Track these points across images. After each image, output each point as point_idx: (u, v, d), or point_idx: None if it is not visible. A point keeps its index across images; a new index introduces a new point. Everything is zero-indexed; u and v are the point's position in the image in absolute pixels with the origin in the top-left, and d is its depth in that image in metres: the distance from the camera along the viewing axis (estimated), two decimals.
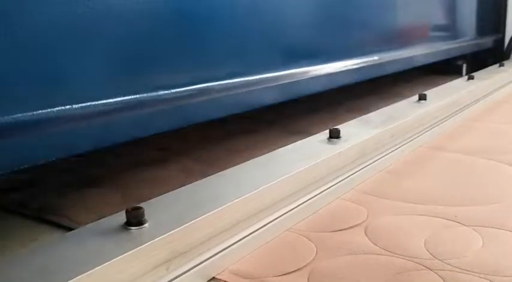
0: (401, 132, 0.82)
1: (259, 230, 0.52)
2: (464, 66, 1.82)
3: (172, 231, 0.41)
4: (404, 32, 1.30)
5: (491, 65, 1.68)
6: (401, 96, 1.16)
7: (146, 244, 0.39)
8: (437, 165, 0.79)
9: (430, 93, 1.02)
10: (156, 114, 0.62)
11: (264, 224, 0.52)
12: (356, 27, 1.07)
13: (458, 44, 1.62)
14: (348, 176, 0.67)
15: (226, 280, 0.46)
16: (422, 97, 0.97)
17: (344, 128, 0.72)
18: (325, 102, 1.33)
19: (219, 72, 0.71)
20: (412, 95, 1.02)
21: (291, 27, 0.87)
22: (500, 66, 1.57)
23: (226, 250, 0.47)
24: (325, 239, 0.53)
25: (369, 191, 0.67)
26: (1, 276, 0.35)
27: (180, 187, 0.52)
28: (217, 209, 0.46)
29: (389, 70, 1.27)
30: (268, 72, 0.81)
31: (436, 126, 0.96)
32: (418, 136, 0.88)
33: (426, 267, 0.47)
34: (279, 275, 0.46)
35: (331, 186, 0.63)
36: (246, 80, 0.76)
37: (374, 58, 1.12)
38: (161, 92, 0.61)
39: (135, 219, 0.42)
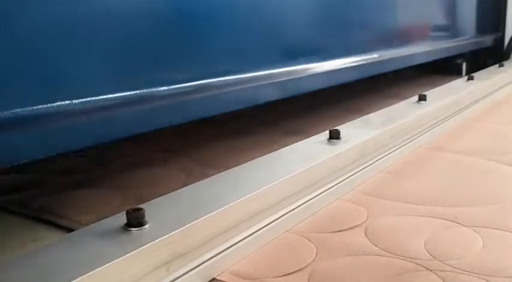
0: (401, 133, 0.82)
1: (260, 231, 0.52)
2: (464, 65, 1.82)
3: (172, 233, 0.41)
4: (404, 30, 1.31)
5: (491, 65, 1.68)
6: (401, 97, 1.16)
7: (147, 245, 0.39)
8: (437, 166, 0.79)
9: (430, 93, 1.02)
10: (156, 110, 0.62)
11: (264, 224, 0.52)
12: (355, 25, 1.07)
13: (458, 42, 1.62)
14: (348, 177, 0.67)
15: (226, 281, 0.46)
16: (422, 98, 0.97)
17: (344, 128, 0.72)
18: (325, 103, 1.34)
19: (218, 68, 0.71)
20: (412, 95, 1.02)
21: (290, 24, 0.87)
22: (500, 66, 1.58)
23: (227, 251, 0.47)
24: (325, 240, 0.53)
25: (369, 192, 0.67)
26: (2, 277, 0.35)
27: (181, 188, 0.52)
28: (218, 210, 0.46)
29: (389, 68, 1.28)
30: (267, 70, 0.81)
31: (436, 126, 0.96)
32: (418, 137, 0.88)
33: (426, 268, 0.47)
34: (279, 276, 0.46)
35: (331, 187, 0.63)
36: (245, 77, 0.76)
37: (373, 56, 1.12)
38: (160, 88, 0.61)
39: (135, 220, 0.42)
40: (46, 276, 0.35)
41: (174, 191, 0.51)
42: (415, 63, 1.40)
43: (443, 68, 1.79)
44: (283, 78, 0.85)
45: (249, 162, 0.61)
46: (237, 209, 0.48)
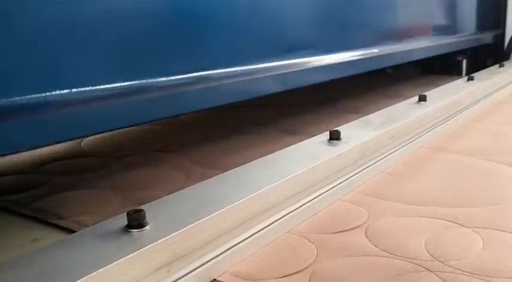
0: (402, 134, 0.82)
1: (260, 232, 0.52)
2: (465, 62, 1.82)
3: (173, 234, 0.41)
4: (404, 26, 1.31)
5: (491, 65, 1.68)
6: (401, 97, 1.16)
7: (147, 247, 0.39)
8: (437, 167, 0.79)
9: (430, 94, 1.02)
10: (155, 101, 0.62)
11: (265, 225, 0.52)
12: (355, 20, 1.07)
13: (458, 38, 1.62)
14: (349, 178, 0.67)
15: None
16: (423, 98, 0.97)
17: (344, 129, 0.72)
18: (325, 103, 1.34)
19: (218, 60, 0.71)
20: (412, 95, 1.02)
21: (290, 19, 0.87)
22: (500, 66, 1.58)
23: (227, 252, 0.47)
24: (325, 241, 0.53)
25: (370, 193, 0.67)
26: (2, 277, 0.35)
27: (181, 189, 0.52)
28: (218, 211, 0.46)
29: (389, 63, 1.28)
30: (266, 62, 0.81)
31: (437, 127, 0.96)
32: (419, 137, 0.88)
33: (426, 268, 0.47)
34: (280, 277, 0.46)
35: (331, 188, 0.63)
36: (244, 69, 0.76)
37: (374, 50, 1.12)
38: (159, 79, 0.61)
39: (136, 221, 0.42)
40: (46, 277, 0.35)
41: (174, 191, 0.51)
42: (416, 59, 1.40)
43: (444, 65, 1.79)
44: (283, 71, 0.85)
45: (249, 163, 0.61)
46: (237, 210, 0.48)
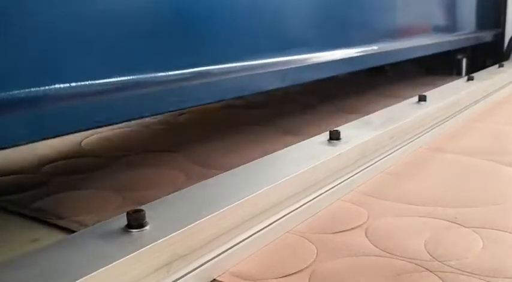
0: (402, 134, 0.82)
1: (260, 232, 0.52)
2: (464, 61, 1.82)
3: (173, 234, 0.41)
4: (404, 23, 1.31)
5: (490, 65, 1.68)
6: (401, 97, 1.16)
7: (147, 247, 0.39)
8: (437, 167, 0.79)
9: (430, 94, 1.02)
10: (154, 95, 0.62)
11: (265, 225, 0.52)
12: (355, 17, 1.07)
13: (458, 37, 1.63)
14: (348, 178, 0.67)
15: None
16: (422, 98, 0.97)
17: (344, 129, 0.72)
18: (325, 103, 1.34)
19: (218, 56, 0.71)
20: (412, 95, 1.02)
21: (290, 16, 0.87)
22: (500, 66, 1.58)
23: (227, 252, 0.47)
24: (325, 241, 0.53)
25: (369, 193, 0.67)
26: (2, 277, 0.35)
27: (181, 189, 0.52)
28: (218, 211, 0.46)
29: (389, 60, 1.28)
30: (266, 58, 0.81)
31: (436, 127, 0.96)
32: (418, 137, 0.88)
33: (426, 268, 0.47)
34: (280, 277, 0.46)
35: (331, 188, 0.63)
36: (243, 65, 0.76)
37: (373, 48, 1.12)
38: (158, 74, 0.61)
39: (136, 221, 0.42)
40: (46, 277, 0.35)
41: (174, 191, 0.51)
42: (415, 56, 1.40)
43: (444, 64, 1.79)
44: (282, 68, 0.85)
45: (249, 163, 0.61)
46: (237, 210, 0.48)
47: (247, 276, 0.46)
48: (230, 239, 0.48)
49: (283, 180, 0.54)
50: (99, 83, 0.54)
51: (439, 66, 1.80)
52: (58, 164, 0.85)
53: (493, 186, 0.70)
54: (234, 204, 0.48)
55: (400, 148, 0.81)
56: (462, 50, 1.78)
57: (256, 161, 0.62)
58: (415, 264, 0.48)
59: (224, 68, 0.71)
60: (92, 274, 0.35)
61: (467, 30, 1.70)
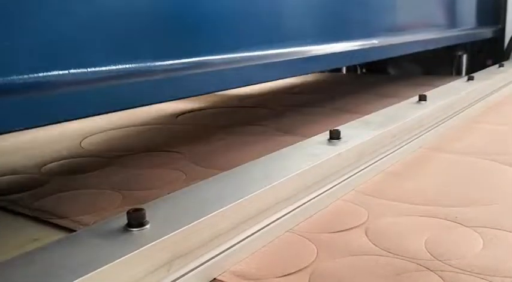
0: (402, 133, 0.82)
1: (261, 231, 0.52)
2: (465, 57, 1.83)
3: (173, 233, 0.41)
4: (404, 18, 1.31)
5: (490, 65, 1.68)
6: (400, 97, 1.16)
7: (147, 246, 0.39)
8: (437, 166, 0.79)
9: (430, 94, 1.03)
10: (154, 84, 0.62)
11: (265, 225, 0.52)
12: (355, 11, 1.07)
13: (458, 32, 1.63)
14: (349, 177, 0.67)
15: (227, 281, 0.46)
16: (423, 98, 0.97)
17: (344, 129, 0.72)
18: (325, 103, 1.34)
19: (217, 46, 0.71)
20: (412, 95, 1.02)
21: (290, 8, 0.87)
22: (500, 66, 1.58)
23: (228, 251, 0.47)
24: (326, 240, 0.53)
25: (370, 192, 0.67)
26: (2, 277, 0.35)
27: (181, 188, 0.52)
28: (218, 211, 0.46)
29: (389, 54, 1.28)
30: (266, 50, 0.81)
31: (437, 127, 0.96)
32: (419, 137, 0.88)
33: (427, 268, 0.47)
34: (280, 276, 0.46)
35: (331, 188, 0.63)
36: (243, 56, 0.75)
37: (373, 41, 1.12)
38: (158, 63, 0.61)
39: (136, 220, 0.42)
40: (46, 276, 0.35)
41: (174, 191, 0.51)
42: (415, 51, 1.41)
43: (444, 63, 1.80)
44: (281, 59, 0.85)
45: (249, 163, 0.61)
46: (237, 209, 0.48)
47: (247, 275, 0.46)
48: (230, 238, 0.48)
49: (283, 179, 0.54)
50: (100, 71, 0.53)
51: (439, 66, 1.81)
52: (58, 164, 0.85)
53: (493, 186, 0.70)
54: (234, 203, 0.48)
55: (400, 148, 0.81)
56: (462, 47, 1.78)
57: (256, 160, 0.62)
58: (416, 263, 0.48)
59: (223, 58, 0.71)
60: (92, 273, 0.35)
61: (468, 25, 1.70)
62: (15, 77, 0.45)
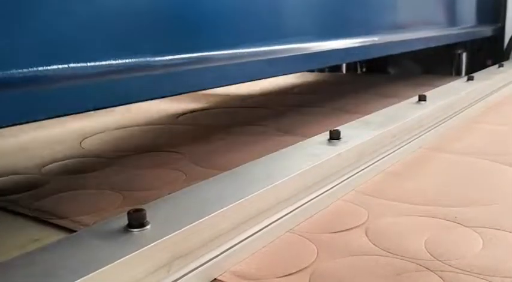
0: (402, 134, 0.82)
1: (261, 232, 0.52)
2: (464, 55, 1.83)
3: (174, 233, 0.41)
4: (404, 15, 1.31)
5: (490, 65, 1.68)
6: (400, 97, 1.16)
7: (148, 246, 0.39)
8: (437, 166, 0.79)
9: (430, 94, 1.03)
10: (154, 79, 0.62)
11: (266, 225, 0.52)
12: (356, 9, 1.07)
13: (458, 30, 1.63)
14: (349, 178, 0.67)
15: (227, 281, 0.46)
16: (422, 98, 0.97)
17: (344, 129, 0.72)
18: (324, 103, 1.34)
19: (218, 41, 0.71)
20: (412, 95, 1.02)
21: (290, 5, 0.87)
22: (499, 66, 1.58)
23: (228, 251, 0.47)
24: (326, 240, 0.53)
25: (370, 192, 0.67)
26: (2, 277, 0.35)
27: (181, 188, 0.52)
28: (219, 211, 0.46)
29: (389, 52, 1.28)
30: (266, 46, 0.81)
31: (436, 127, 0.96)
32: (418, 137, 0.88)
33: (427, 268, 0.47)
34: (281, 276, 0.46)
35: (331, 188, 0.63)
36: (242, 52, 0.75)
37: (374, 39, 1.12)
38: (157, 58, 0.61)
39: (136, 221, 0.42)
40: (47, 276, 0.35)
41: (174, 191, 0.51)
42: (416, 48, 1.41)
43: (443, 62, 1.80)
44: (281, 55, 0.85)
45: (249, 163, 0.61)
46: (238, 209, 0.48)
47: (248, 275, 0.46)
48: (231, 239, 0.48)
49: (283, 179, 0.54)
50: (99, 65, 0.53)
51: (439, 64, 1.81)
52: (58, 165, 0.85)
53: (493, 186, 0.70)
54: (234, 204, 0.48)
55: (400, 148, 0.81)
56: (462, 46, 1.78)
57: (256, 160, 0.62)
58: (416, 263, 0.48)
59: (224, 54, 0.71)
60: (92, 273, 0.35)
61: (468, 24, 1.71)
62: (14, 71, 0.45)
